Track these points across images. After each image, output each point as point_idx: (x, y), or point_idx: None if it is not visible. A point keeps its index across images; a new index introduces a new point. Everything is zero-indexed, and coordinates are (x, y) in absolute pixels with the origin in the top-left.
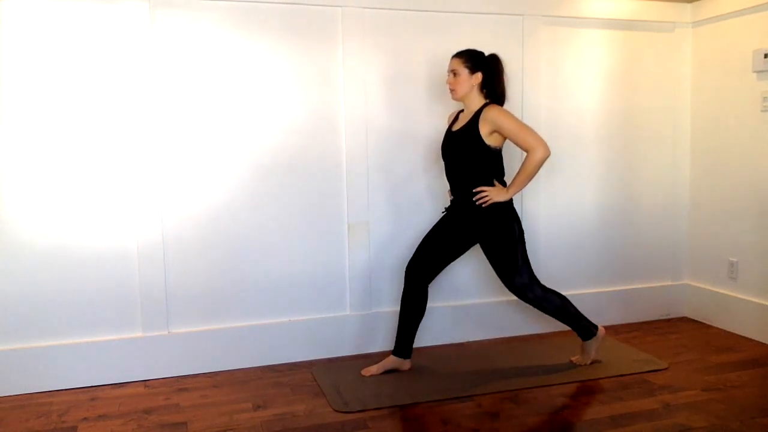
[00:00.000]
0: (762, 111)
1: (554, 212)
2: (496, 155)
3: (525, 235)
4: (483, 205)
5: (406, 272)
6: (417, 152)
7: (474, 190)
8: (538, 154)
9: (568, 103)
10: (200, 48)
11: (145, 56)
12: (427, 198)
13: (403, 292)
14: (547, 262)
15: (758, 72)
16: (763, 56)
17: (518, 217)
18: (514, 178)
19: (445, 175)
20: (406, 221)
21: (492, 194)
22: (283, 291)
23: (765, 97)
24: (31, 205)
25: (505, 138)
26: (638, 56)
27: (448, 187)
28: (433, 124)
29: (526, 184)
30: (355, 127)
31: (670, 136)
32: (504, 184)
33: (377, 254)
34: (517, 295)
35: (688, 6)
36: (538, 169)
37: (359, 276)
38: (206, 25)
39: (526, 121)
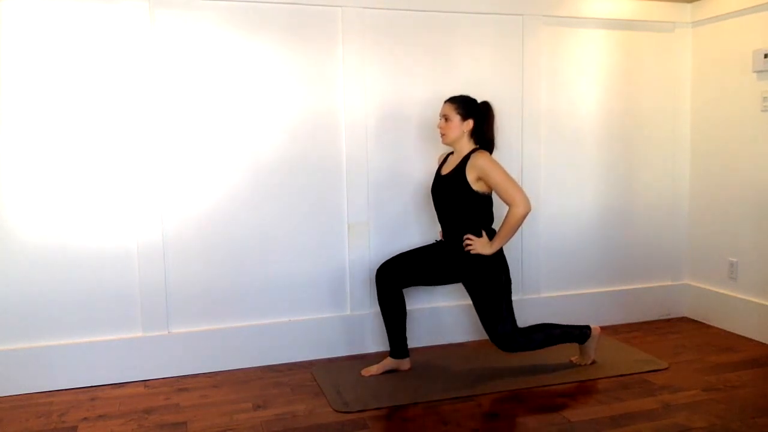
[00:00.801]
0: (762, 111)
1: (554, 212)
2: (484, 200)
3: (524, 246)
4: (470, 253)
5: (377, 274)
6: (417, 153)
7: (463, 237)
8: (519, 210)
9: (568, 102)
10: (200, 48)
11: (145, 56)
12: (427, 197)
13: (378, 295)
14: (547, 262)
15: (758, 72)
16: (763, 56)
17: (506, 266)
18: (498, 233)
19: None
20: (406, 221)
21: (477, 246)
22: (283, 291)
23: (765, 97)
24: (32, 205)
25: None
26: (638, 56)
27: (439, 228)
28: (433, 124)
29: (510, 237)
30: (355, 127)
31: (670, 136)
32: (493, 231)
33: (377, 254)
34: (499, 346)
35: (688, 6)
36: (520, 224)
37: (359, 276)
38: (206, 25)
39: (526, 121)
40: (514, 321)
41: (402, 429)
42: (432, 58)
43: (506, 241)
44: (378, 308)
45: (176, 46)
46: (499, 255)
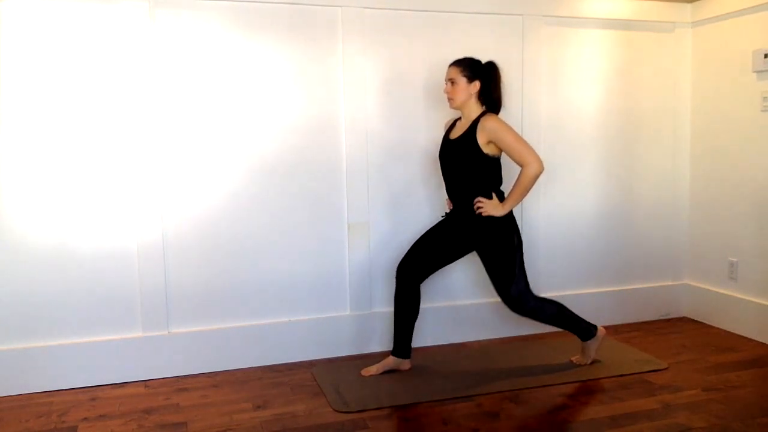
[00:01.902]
0: (762, 111)
1: (554, 212)
2: (494, 163)
3: (525, 236)
4: (481, 215)
5: (397, 271)
6: (417, 151)
7: (474, 200)
8: (532, 169)
9: (568, 102)
10: (200, 48)
11: (146, 56)
12: (427, 197)
13: (396, 292)
14: (547, 261)
15: (758, 72)
16: (763, 56)
17: (517, 227)
18: (510, 194)
19: (443, 182)
20: (405, 221)
21: (488, 208)
22: (283, 291)
23: (765, 97)
24: (32, 205)
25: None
26: (638, 56)
27: (446, 197)
28: (433, 125)
29: (522, 198)
30: (355, 127)
31: (670, 136)
32: (502, 193)
33: (377, 254)
34: (511, 307)
35: (688, 6)
36: (533, 184)
37: (359, 276)
38: (206, 25)
39: (526, 121)
40: (527, 282)
41: (402, 429)
42: (432, 58)
43: (518, 203)
44: (378, 308)
45: (176, 46)
46: (510, 217)
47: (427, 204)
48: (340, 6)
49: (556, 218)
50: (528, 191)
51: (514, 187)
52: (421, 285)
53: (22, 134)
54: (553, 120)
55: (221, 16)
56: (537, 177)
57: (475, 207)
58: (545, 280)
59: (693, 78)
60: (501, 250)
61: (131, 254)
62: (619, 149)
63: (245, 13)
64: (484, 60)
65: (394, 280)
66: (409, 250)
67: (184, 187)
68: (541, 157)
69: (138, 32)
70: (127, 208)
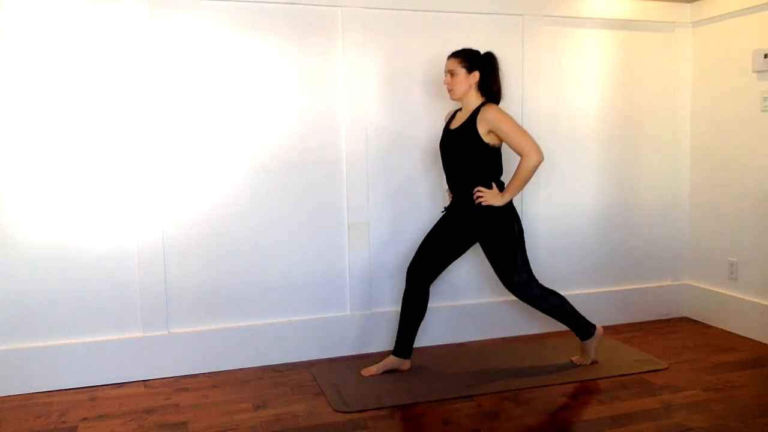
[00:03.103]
0: (762, 111)
1: (554, 212)
2: (494, 153)
3: (525, 235)
4: (481, 204)
5: (407, 273)
6: (417, 152)
7: (474, 190)
8: (531, 159)
9: (568, 102)
10: (200, 48)
11: (145, 56)
12: (427, 197)
13: (405, 293)
14: (547, 262)
15: (758, 72)
16: (763, 56)
17: (518, 216)
18: (509, 183)
19: (444, 174)
20: (405, 221)
21: (488, 197)
22: (283, 291)
23: (765, 97)
24: (32, 206)
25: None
26: (638, 56)
27: (447, 187)
28: (433, 124)
29: (521, 188)
30: (354, 127)
31: (670, 136)
32: (502, 183)
33: (377, 254)
34: (515, 294)
35: (688, 6)
36: (532, 173)
37: (359, 276)
38: (206, 26)
39: (526, 121)
40: (530, 270)
41: (402, 429)
42: (432, 58)
43: (518, 192)
44: (378, 308)
45: (176, 46)
46: (510, 206)
47: (427, 204)
48: (340, 6)
49: (556, 218)
50: (527, 181)
51: (513, 177)
52: (449, 266)
53: (22, 134)
54: (552, 120)
55: (221, 16)
56: (536, 167)
57: (474, 197)
58: (545, 280)
59: (693, 78)
60: (502, 239)
61: (131, 254)
62: (618, 149)
63: (245, 13)
64: (482, 51)
65: (394, 280)
66: (417, 252)
67: (184, 188)
68: (541, 166)
69: (138, 33)
70: (127, 209)
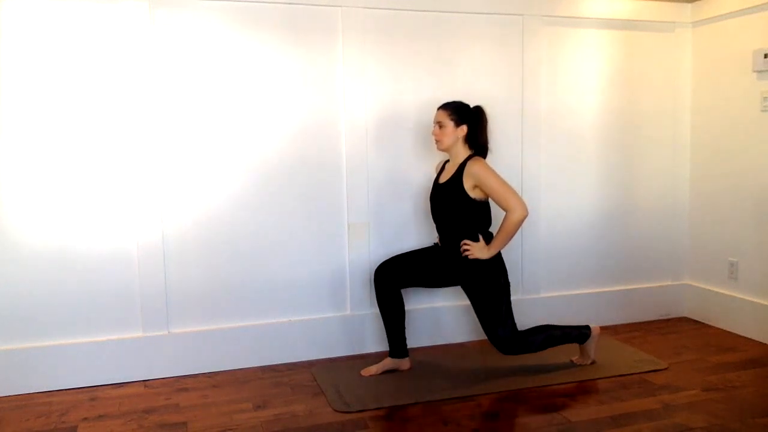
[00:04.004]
0: (762, 111)
1: (554, 212)
2: (482, 206)
3: (523, 248)
4: (468, 258)
5: (375, 274)
6: (417, 153)
7: (461, 243)
8: (516, 215)
9: (568, 103)
10: (200, 48)
11: (145, 56)
12: (427, 197)
13: (377, 295)
14: (547, 262)
15: (758, 72)
16: (763, 56)
17: (505, 269)
18: (495, 238)
19: (433, 223)
20: (406, 221)
21: (474, 251)
22: (283, 291)
23: (765, 97)
24: (32, 206)
25: None
26: (638, 56)
27: (436, 235)
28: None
29: (507, 242)
30: (354, 127)
31: (670, 136)
32: (490, 234)
33: (377, 254)
34: (499, 349)
35: (688, 6)
36: (517, 228)
37: (359, 276)
38: (206, 26)
39: (526, 121)
40: (514, 324)
41: (402, 429)
42: (432, 58)
43: (503, 246)
44: (377, 308)
45: (176, 46)
46: (498, 258)
47: (427, 203)
48: (340, 6)
49: (557, 219)
50: (512, 236)
51: (498, 232)
52: (420, 287)
53: (22, 135)
54: (553, 120)
55: (221, 16)
56: (521, 222)
57: (461, 250)
58: (545, 280)
59: (693, 78)
60: (487, 291)
61: (131, 255)
62: (618, 149)
63: (245, 13)
64: (472, 105)
65: None
66: (391, 258)
67: (184, 188)
68: (541, 158)
69: (138, 32)
70: (127, 209)
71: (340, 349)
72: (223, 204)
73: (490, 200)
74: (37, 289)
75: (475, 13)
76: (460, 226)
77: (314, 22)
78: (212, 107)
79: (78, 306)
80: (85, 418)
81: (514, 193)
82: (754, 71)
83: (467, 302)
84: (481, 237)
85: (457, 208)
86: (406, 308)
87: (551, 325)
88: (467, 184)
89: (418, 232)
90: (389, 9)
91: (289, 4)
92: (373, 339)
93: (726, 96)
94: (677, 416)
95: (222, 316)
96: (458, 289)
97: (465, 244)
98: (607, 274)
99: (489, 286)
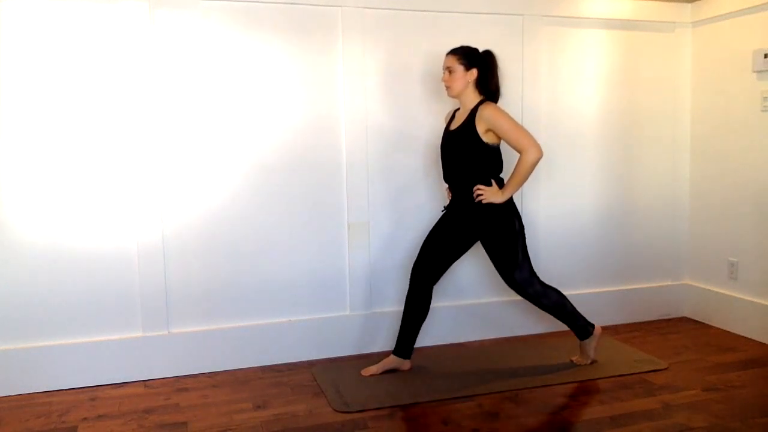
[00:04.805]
0: (762, 111)
1: (554, 212)
2: (494, 152)
3: (525, 231)
4: (481, 202)
5: (411, 273)
6: (417, 152)
7: (474, 188)
8: (531, 155)
9: (568, 102)
10: (200, 48)
11: (145, 56)
12: (427, 197)
13: (408, 293)
14: (547, 262)
15: (758, 72)
16: (763, 56)
17: (518, 213)
18: (509, 180)
19: (443, 174)
20: (406, 221)
21: (488, 195)
22: (283, 291)
23: (765, 97)
24: (32, 206)
25: None
26: (638, 56)
27: (446, 186)
28: (433, 124)
29: (521, 185)
30: (354, 127)
31: (670, 136)
32: (502, 180)
33: (377, 254)
34: (516, 290)
35: (688, 6)
36: (532, 170)
37: (359, 276)
38: (206, 26)
39: (526, 121)
40: (531, 266)
41: (402, 429)
42: (432, 58)
43: (517, 189)
44: (378, 308)
45: (176, 46)
46: (511, 203)
47: (427, 204)
48: (340, 6)
49: (557, 218)
50: (527, 177)
51: (513, 173)
52: (452, 265)
53: (22, 134)
54: (553, 120)
55: (221, 16)
56: (535, 163)
57: (474, 195)
58: (546, 279)
59: (693, 78)
60: (503, 236)
61: (131, 254)
62: (619, 149)
63: (245, 13)
64: (481, 48)
65: (394, 280)
66: (420, 252)
67: (184, 188)
68: (541, 167)
69: (138, 32)
70: (127, 209)
71: (340, 349)
72: (223, 204)
73: (501, 147)
74: (37, 288)
75: (475, 13)
76: (473, 172)
77: (314, 22)
78: (212, 107)
79: (78, 306)
80: (85, 418)
81: (528, 134)
82: (754, 71)
83: (468, 301)
84: (493, 182)
85: (470, 153)
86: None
87: (569, 300)
88: (480, 129)
89: (418, 232)
90: (389, 9)
91: (289, 4)
92: (373, 339)
93: (726, 96)
94: (677, 416)
95: (222, 316)
96: (458, 289)
97: (478, 188)
98: (607, 274)
99: (503, 230)
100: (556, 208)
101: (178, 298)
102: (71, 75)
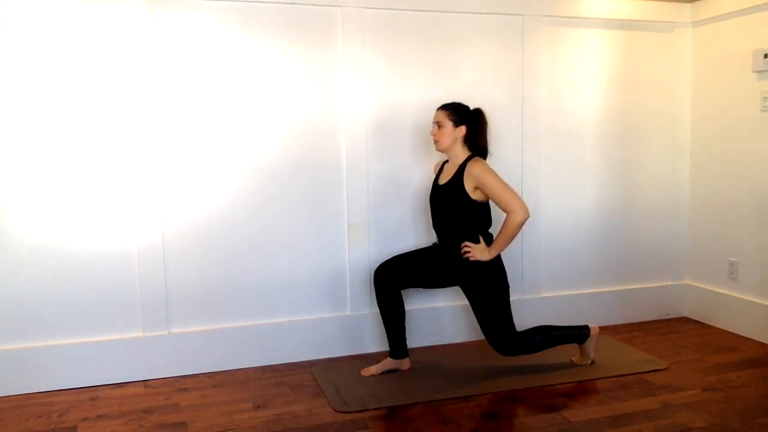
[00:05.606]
0: (762, 111)
1: (554, 212)
2: (482, 208)
3: (524, 247)
4: (468, 259)
5: (375, 275)
6: (417, 152)
7: (461, 244)
8: (517, 217)
9: (568, 102)
10: (200, 48)
11: (145, 56)
12: (427, 197)
13: (377, 296)
14: (547, 262)
15: (758, 72)
16: (763, 56)
17: (504, 270)
18: (495, 240)
19: (432, 224)
20: (405, 221)
21: (475, 253)
22: (283, 291)
23: (765, 97)
24: (32, 206)
25: None
26: (638, 56)
27: (435, 235)
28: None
29: (508, 244)
30: (354, 127)
31: (670, 135)
32: (490, 235)
33: (377, 254)
34: (497, 349)
35: (688, 6)
36: (518, 230)
37: (359, 276)
38: (206, 26)
39: (526, 120)
40: (513, 325)
41: (402, 429)
42: (432, 59)
43: (504, 248)
44: (377, 308)
45: (176, 46)
46: (497, 260)
47: (427, 203)
48: (340, 6)
49: (557, 219)
50: (513, 237)
51: (499, 233)
52: (419, 288)
53: (22, 135)
54: (553, 120)
55: (221, 16)
56: (522, 224)
57: (462, 251)
58: (546, 279)
59: (693, 78)
60: (486, 293)
61: (131, 254)
62: (619, 149)
63: (245, 13)
64: (471, 107)
65: None
66: (391, 259)
67: (184, 188)
68: (541, 157)
69: (138, 32)
70: (127, 209)
71: (340, 349)
72: (223, 204)
73: (490, 201)
74: (37, 288)
75: (475, 13)
76: (461, 227)
77: (314, 22)
78: (212, 107)
79: (78, 306)
80: (85, 418)
81: (516, 194)
82: (754, 71)
83: (467, 302)
84: (481, 238)
85: (458, 209)
86: (406, 308)
87: (550, 325)
88: (468, 186)
89: (418, 232)
90: (389, 9)
91: (289, 4)
92: (373, 339)
93: (726, 96)
94: (677, 416)
95: (222, 316)
96: (458, 289)
97: (465, 245)
98: (607, 274)
99: (489, 288)
100: (556, 207)
101: (178, 298)
102: (71, 75)
